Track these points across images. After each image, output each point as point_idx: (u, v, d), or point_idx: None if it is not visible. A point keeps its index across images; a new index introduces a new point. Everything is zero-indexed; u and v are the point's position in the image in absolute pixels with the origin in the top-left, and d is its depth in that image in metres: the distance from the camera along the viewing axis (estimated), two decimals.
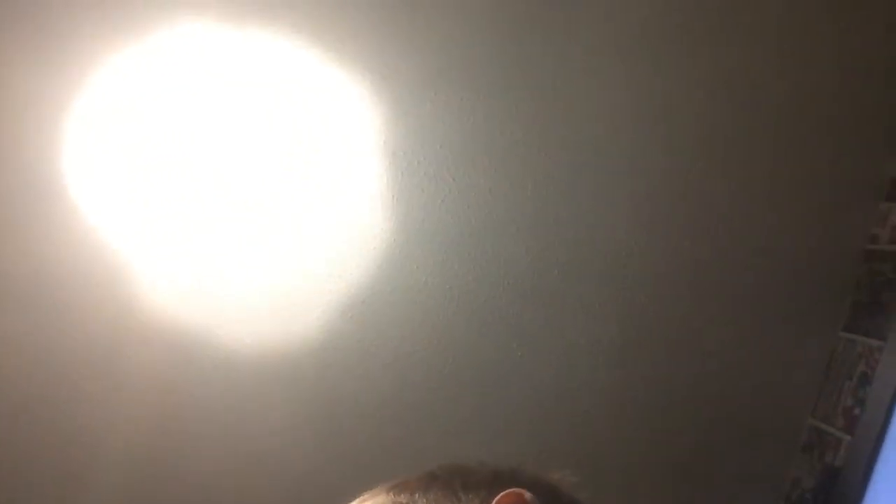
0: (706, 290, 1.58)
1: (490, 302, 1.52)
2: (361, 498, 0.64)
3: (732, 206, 1.57)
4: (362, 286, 1.46)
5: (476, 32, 1.45)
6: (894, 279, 1.50)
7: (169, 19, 1.35)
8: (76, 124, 1.35)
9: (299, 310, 1.45)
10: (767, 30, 1.52)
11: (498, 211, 1.50)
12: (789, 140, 1.56)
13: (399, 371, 1.50)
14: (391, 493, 0.62)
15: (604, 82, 1.49)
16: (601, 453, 1.58)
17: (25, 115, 1.33)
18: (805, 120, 1.56)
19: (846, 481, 1.42)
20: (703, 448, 1.60)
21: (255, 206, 1.41)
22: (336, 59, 1.40)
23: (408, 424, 1.52)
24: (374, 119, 1.43)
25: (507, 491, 0.58)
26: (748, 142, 1.55)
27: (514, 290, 1.52)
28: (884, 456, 1.35)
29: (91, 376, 1.41)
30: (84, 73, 1.34)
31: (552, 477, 0.65)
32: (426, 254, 1.48)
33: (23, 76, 1.32)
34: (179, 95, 1.37)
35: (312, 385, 1.47)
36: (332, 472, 1.47)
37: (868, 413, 1.42)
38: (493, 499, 0.58)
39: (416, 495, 0.61)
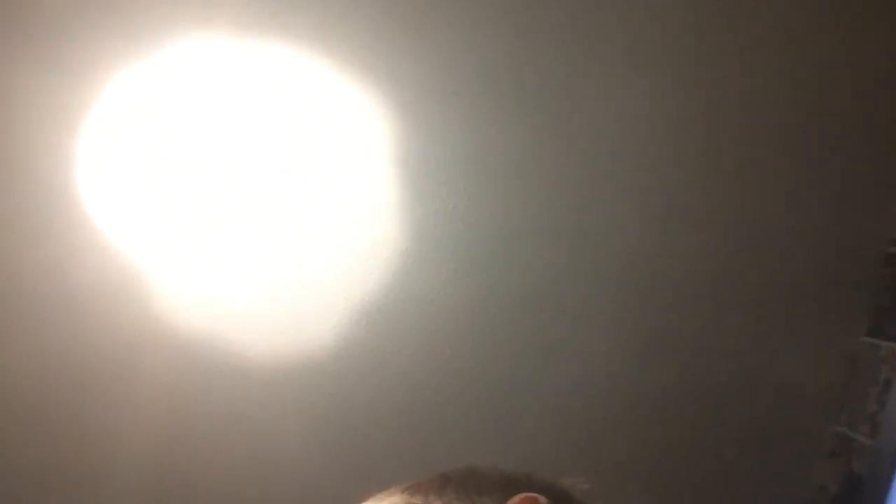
0: (725, 295, 1.56)
1: (505, 310, 1.52)
2: (376, 497, 0.65)
3: (749, 211, 1.55)
4: (376, 294, 1.47)
5: (489, 40, 1.45)
6: None
7: (182, 29, 1.37)
8: (89, 133, 1.38)
9: (313, 318, 1.46)
10: (781, 30, 1.50)
11: (512, 219, 1.50)
12: (806, 142, 1.54)
13: (415, 380, 1.50)
14: (406, 494, 0.64)
15: (618, 90, 1.49)
16: (620, 461, 1.57)
17: (40, 126, 1.37)
18: (821, 122, 1.54)
19: (868, 488, 1.39)
20: (724, 455, 1.58)
21: (270, 216, 1.44)
22: (349, 67, 1.42)
23: (423, 434, 1.52)
24: (386, 127, 1.45)
25: (522, 495, 0.58)
26: (764, 145, 1.53)
27: (528, 297, 1.52)
28: None
29: (106, 381, 1.44)
30: (97, 82, 1.37)
31: (564, 483, 0.65)
32: (439, 262, 1.48)
33: (36, 87, 1.36)
34: (195, 104, 1.40)
35: (326, 393, 1.48)
36: (347, 480, 1.47)
37: (889, 418, 1.39)
38: (506, 502, 0.58)
39: (431, 497, 0.62)
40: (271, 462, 1.49)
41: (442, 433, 1.52)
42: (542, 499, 0.58)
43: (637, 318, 1.55)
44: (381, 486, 0.67)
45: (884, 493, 1.34)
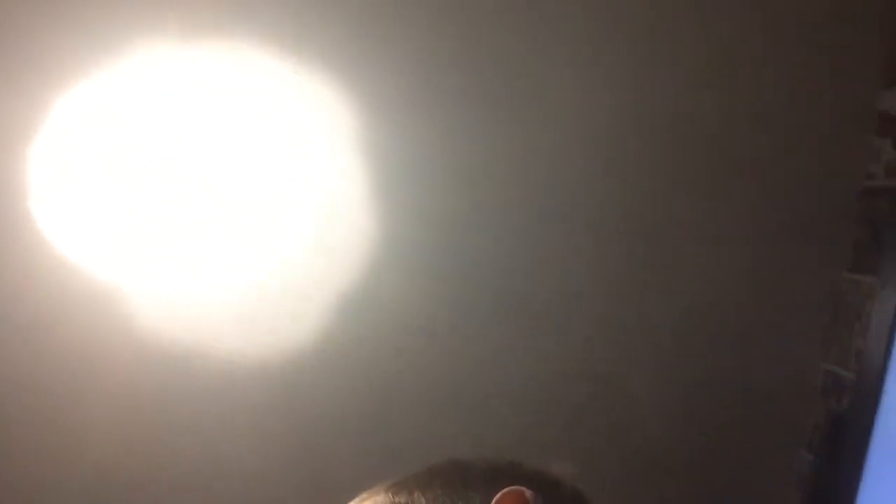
0: (706, 239, 1.58)
1: (480, 295, 1.55)
2: (360, 498, 0.64)
3: (726, 152, 1.57)
4: (352, 287, 1.51)
5: (454, 29, 1.49)
6: (892, 215, 1.46)
7: (137, 33, 1.41)
8: (42, 146, 1.41)
9: (287, 313, 1.50)
10: None
11: (484, 204, 1.53)
12: (782, 80, 1.55)
13: (397, 369, 1.54)
14: (390, 493, 0.61)
15: (585, 76, 1.52)
16: (615, 405, 1.60)
17: None
18: (795, 58, 1.55)
19: (853, 424, 1.41)
20: (716, 401, 1.60)
21: (237, 210, 1.47)
22: (314, 60, 1.45)
23: (412, 422, 1.56)
24: (354, 123, 1.48)
25: (507, 489, 0.56)
26: (739, 105, 1.55)
27: (506, 280, 1.56)
28: (887, 396, 1.34)
29: (75, 386, 1.48)
30: (51, 91, 1.40)
31: (553, 470, 0.64)
32: (414, 251, 1.52)
33: None
34: (157, 104, 1.43)
35: (305, 390, 1.52)
36: (335, 471, 1.50)
37: (871, 353, 1.40)
38: (493, 497, 0.57)
39: (416, 494, 0.61)
40: (251, 456, 1.53)
41: (431, 421, 1.55)
42: (528, 492, 0.56)
43: (618, 259, 1.57)
44: (364, 481, 0.67)
45: (868, 427, 1.35)
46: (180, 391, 1.51)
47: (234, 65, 1.44)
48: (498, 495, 0.57)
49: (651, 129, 1.56)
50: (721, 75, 1.55)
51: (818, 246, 1.59)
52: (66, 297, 1.46)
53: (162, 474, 1.53)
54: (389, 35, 1.48)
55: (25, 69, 1.41)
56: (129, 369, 1.48)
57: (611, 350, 1.59)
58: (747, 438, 1.60)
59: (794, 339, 1.59)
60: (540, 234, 1.56)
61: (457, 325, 1.56)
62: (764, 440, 1.61)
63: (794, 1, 1.54)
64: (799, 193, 1.58)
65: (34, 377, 1.49)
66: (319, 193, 1.49)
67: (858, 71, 1.56)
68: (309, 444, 1.55)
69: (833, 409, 1.51)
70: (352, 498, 0.64)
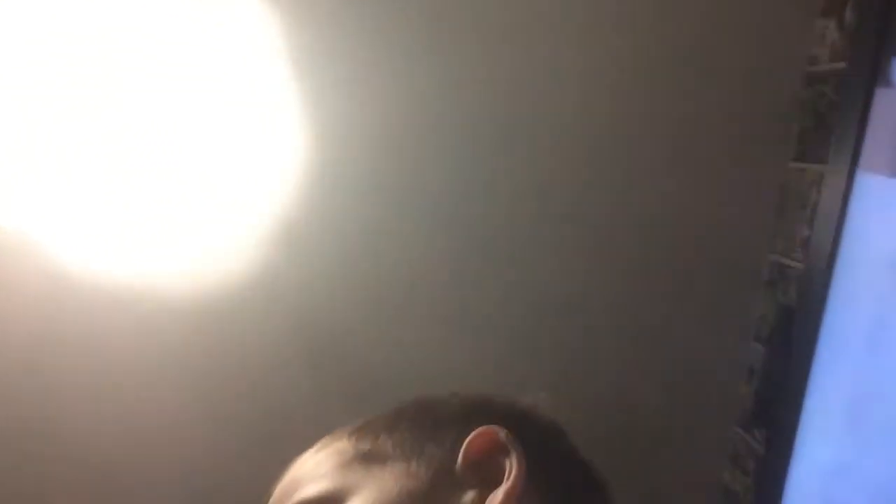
0: (646, 132, 1.54)
1: (427, 203, 1.49)
2: (320, 445, 0.59)
3: (665, 47, 1.51)
4: (288, 208, 1.43)
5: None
6: (837, 100, 1.43)
7: None
8: None
9: (220, 244, 1.44)
10: None
11: (418, 113, 1.46)
12: None
13: (335, 301, 1.49)
14: (353, 439, 0.57)
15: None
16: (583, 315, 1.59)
17: None
18: None
19: (801, 314, 1.41)
20: (661, 293, 1.59)
21: (161, 136, 1.39)
22: None
23: (378, 356, 1.52)
24: (278, 28, 1.38)
25: (479, 429, 0.53)
26: None
27: (449, 190, 1.50)
28: (836, 284, 1.34)
29: None
30: None
31: (526, 402, 0.60)
32: (351, 166, 1.45)
33: None
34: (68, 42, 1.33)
35: (245, 322, 1.47)
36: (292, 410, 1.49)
37: (817, 242, 1.39)
38: (465, 437, 0.53)
39: (381, 437, 0.56)
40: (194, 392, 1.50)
41: (395, 350, 1.52)
42: (502, 432, 0.52)
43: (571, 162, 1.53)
44: (317, 421, 0.63)
45: (817, 318, 1.36)
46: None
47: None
48: (470, 436, 0.53)
49: None
50: None
51: (761, 136, 1.56)
52: None
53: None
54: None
55: None
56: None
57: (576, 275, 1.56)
58: (695, 331, 1.59)
59: (740, 231, 1.58)
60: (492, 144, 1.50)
61: (403, 244, 1.50)
62: (712, 331, 1.61)
63: None
64: (740, 83, 1.54)
65: None
66: (247, 106, 1.40)
67: None
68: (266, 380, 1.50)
69: (780, 300, 1.51)
70: (311, 446, 0.59)
